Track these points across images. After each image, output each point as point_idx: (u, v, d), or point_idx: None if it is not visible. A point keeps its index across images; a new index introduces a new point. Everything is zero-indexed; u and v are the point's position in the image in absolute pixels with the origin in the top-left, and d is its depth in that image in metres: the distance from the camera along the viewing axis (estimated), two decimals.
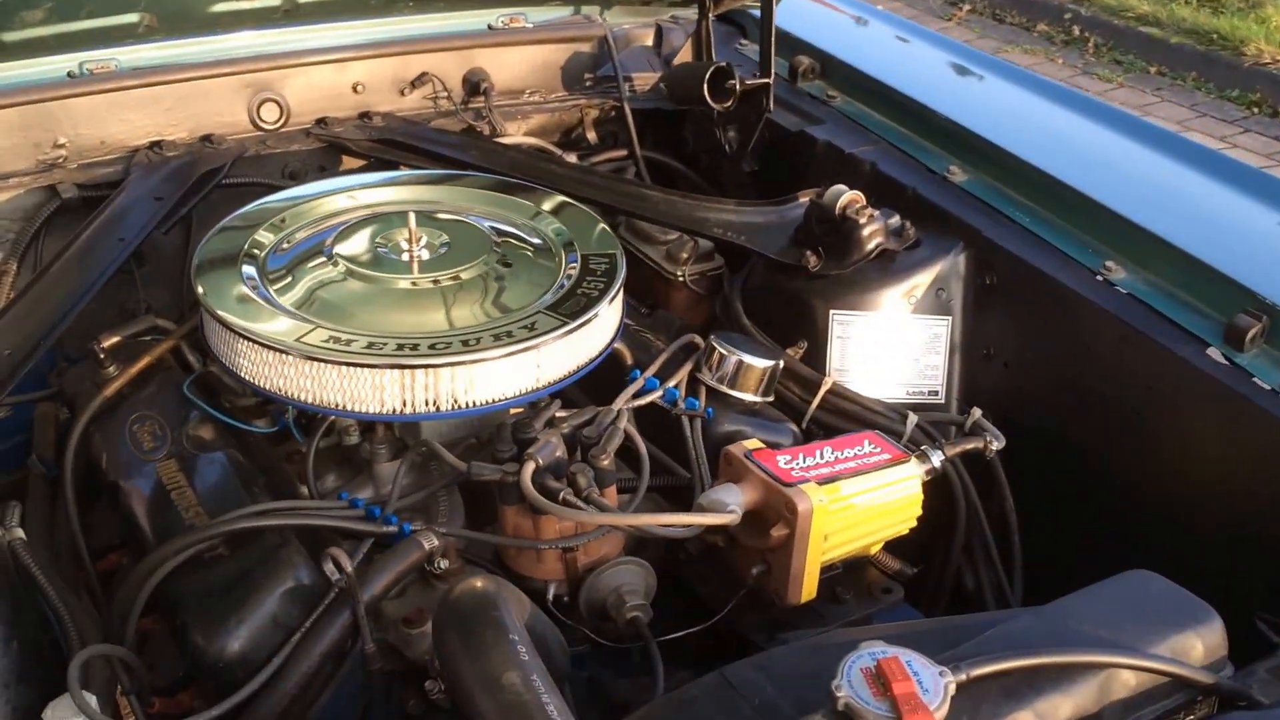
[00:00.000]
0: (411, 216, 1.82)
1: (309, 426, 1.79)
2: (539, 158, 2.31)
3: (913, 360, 2.08)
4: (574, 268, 1.84)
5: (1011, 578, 2.02)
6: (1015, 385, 2.07)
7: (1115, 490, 1.93)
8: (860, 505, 1.68)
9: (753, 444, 1.71)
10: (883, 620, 1.80)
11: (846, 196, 2.08)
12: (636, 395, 1.84)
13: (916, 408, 2.04)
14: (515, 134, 2.49)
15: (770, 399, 1.94)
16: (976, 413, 1.99)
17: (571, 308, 1.73)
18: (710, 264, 2.35)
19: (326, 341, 1.63)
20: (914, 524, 1.77)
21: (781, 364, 1.93)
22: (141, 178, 2.09)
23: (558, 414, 1.74)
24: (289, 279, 1.78)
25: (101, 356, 1.88)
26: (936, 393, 2.10)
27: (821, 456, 1.71)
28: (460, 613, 1.24)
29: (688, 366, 1.91)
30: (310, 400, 1.64)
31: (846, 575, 1.78)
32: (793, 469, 1.66)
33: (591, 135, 2.61)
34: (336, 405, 1.63)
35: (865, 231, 2.05)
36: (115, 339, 1.90)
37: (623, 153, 2.60)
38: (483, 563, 1.70)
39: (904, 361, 2.08)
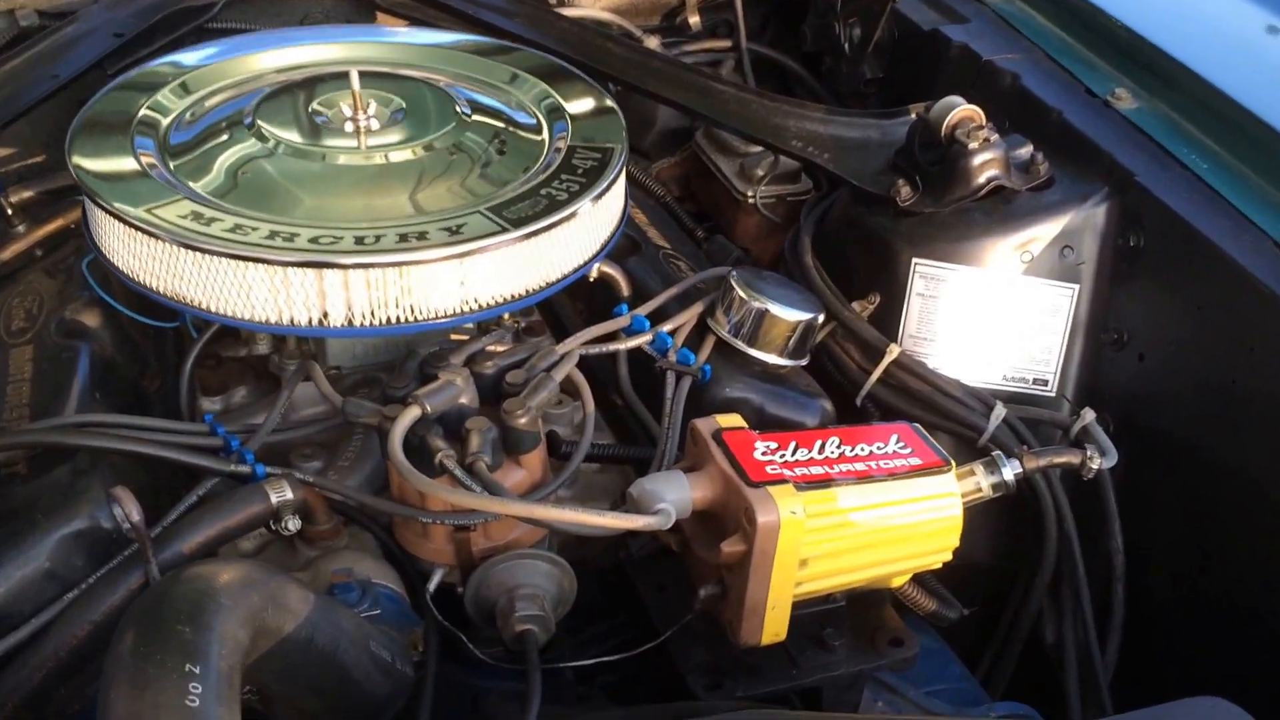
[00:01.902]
0: (354, 75, 1.44)
1: (200, 328, 1.45)
2: (598, 34, 1.88)
3: (1018, 337, 1.57)
4: (555, 158, 1.42)
5: (1106, 639, 1.50)
6: (1151, 384, 1.54)
7: (1269, 541, 1.39)
8: (861, 525, 1.21)
9: (729, 420, 1.26)
10: (887, 680, 1.34)
11: (958, 112, 1.57)
12: (611, 338, 1.41)
13: (1014, 399, 1.54)
14: (591, 6, 2.06)
15: (802, 362, 1.48)
16: (1088, 416, 1.48)
17: (521, 211, 1.32)
18: (791, 187, 1.88)
19: (206, 225, 1.27)
20: (947, 557, 1.29)
21: (820, 318, 1.46)
22: (106, 8, 1.77)
23: (492, 348, 1.33)
24: (196, 153, 1.43)
25: (9, 213, 1.59)
26: (1046, 383, 1.58)
27: (821, 450, 1.25)
28: (142, 618, 0.86)
29: (696, 308, 1.47)
30: (165, 292, 1.29)
31: (847, 612, 1.31)
32: (772, 462, 1.20)
33: (694, 20, 2.16)
34: (196, 304, 1.28)
35: (976, 160, 1.54)
36: (28, 194, 1.60)
37: (726, 43, 2.14)
38: (375, 529, 1.32)
39: (1006, 337, 1.57)
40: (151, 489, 1.30)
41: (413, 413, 1.20)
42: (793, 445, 1.24)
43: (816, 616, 1.30)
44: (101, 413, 1.31)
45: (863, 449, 1.26)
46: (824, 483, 1.20)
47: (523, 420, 1.22)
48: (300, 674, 0.99)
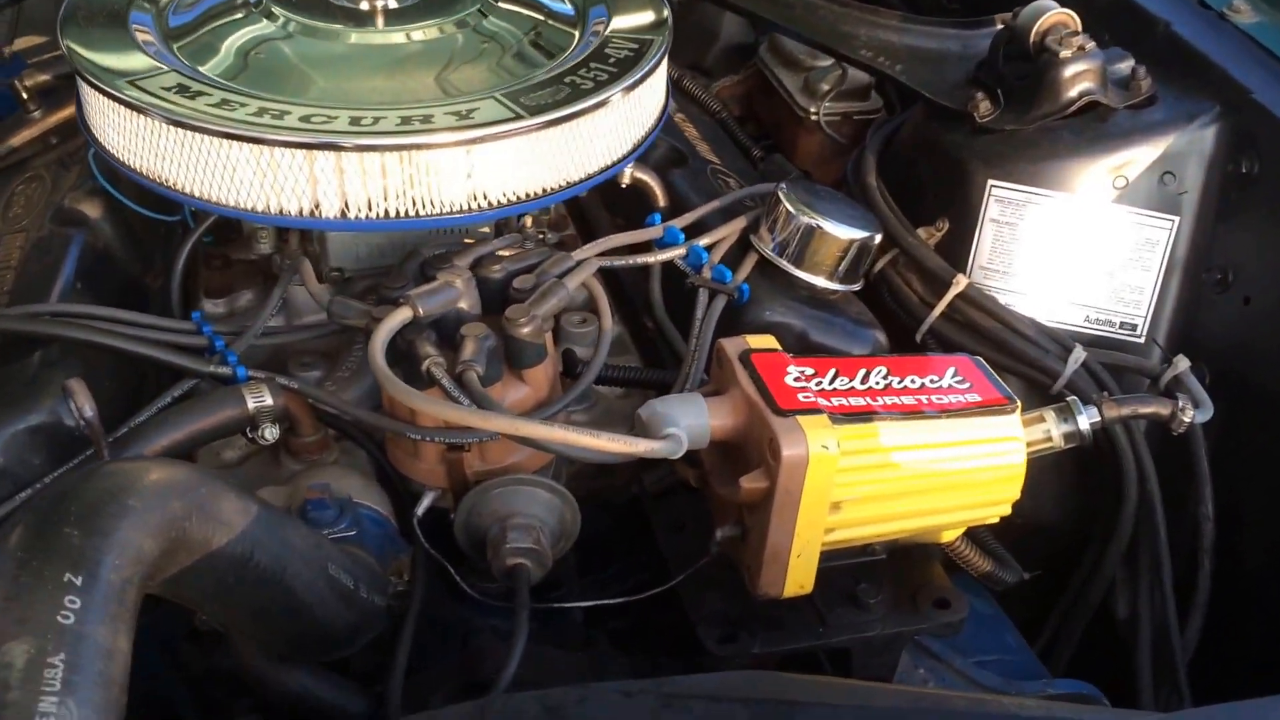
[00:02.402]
0: None
1: (199, 220, 1.33)
2: None
3: (1105, 273, 1.39)
4: (590, 44, 1.27)
5: (1186, 617, 1.33)
6: (1257, 331, 1.35)
7: None
8: (906, 467, 1.06)
9: (761, 341, 1.11)
10: (929, 646, 1.19)
11: (1050, 16, 1.40)
12: (641, 250, 1.27)
13: (1096, 344, 1.37)
14: None
15: (854, 287, 1.32)
16: (1182, 364, 1.30)
17: (541, 99, 1.17)
18: (859, 104, 1.71)
19: (191, 99, 1.15)
20: (1005, 510, 1.13)
21: (877, 238, 1.30)
22: None
23: (504, 253, 1.19)
24: (199, 33, 1.30)
25: (24, 96, 1.48)
26: (1134, 327, 1.40)
27: (865, 380, 1.09)
28: (33, 516, 0.74)
29: (738, 223, 1.32)
30: (148, 173, 1.18)
31: (888, 567, 1.16)
32: (805, 390, 1.05)
33: None
34: (179, 187, 1.16)
35: (1068, 71, 1.36)
36: (44, 77, 1.49)
37: None
38: (368, 445, 1.19)
39: (1091, 273, 1.39)
40: (140, 393, 1.19)
41: (402, 314, 1.07)
42: (831, 373, 1.09)
43: (851, 569, 1.14)
44: (83, 304, 1.19)
45: (914, 381, 1.10)
46: (864, 415, 1.05)
47: (526, 330, 1.08)
48: (236, 595, 0.86)
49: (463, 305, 1.11)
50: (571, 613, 1.21)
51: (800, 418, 1.01)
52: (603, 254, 1.21)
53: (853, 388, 1.08)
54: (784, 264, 1.28)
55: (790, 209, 1.27)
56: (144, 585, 0.74)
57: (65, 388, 1.02)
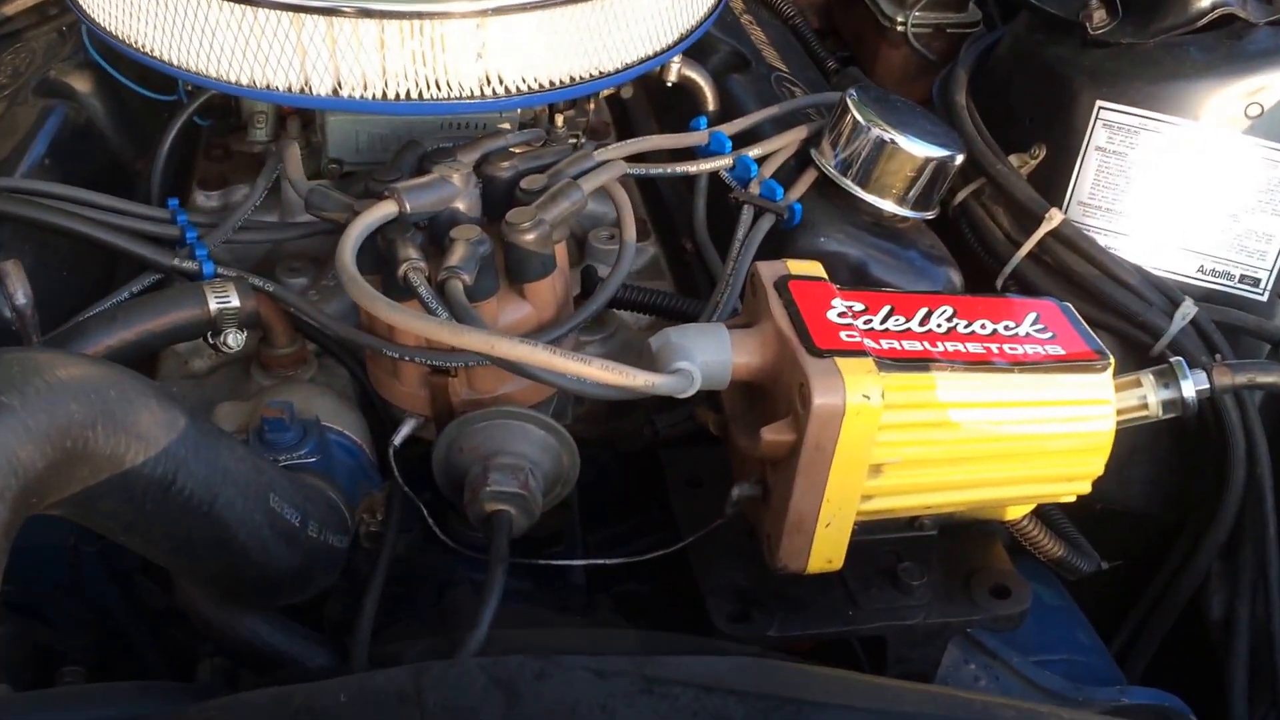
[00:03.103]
0: None
1: (190, 98, 1.19)
2: None
3: (1228, 217, 1.19)
4: None
5: None
6: None
7: None
8: (966, 428, 0.88)
9: (804, 267, 0.94)
10: (984, 641, 1.01)
11: None
12: (682, 159, 1.10)
13: (1211, 298, 1.18)
14: None
15: (928, 215, 1.13)
16: None
17: None
18: (953, 15, 1.51)
19: None
20: (1084, 488, 0.95)
21: (958, 159, 1.11)
22: None
23: (516, 149, 1.03)
24: None
25: None
26: (1258, 282, 1.20)
27: (925, 321, 0.91)
28: None
29: (797, 133, 1.14)
30: (124, 37, 1.04)
31: (938, 544, 0.98)
32: (850, 328, 0.88)
33: None
34: (156, 53, 1.02)
35: None
36: None
37: None
38: (351, 364, 1.05)
39: (1212, 215, 1.19)
40: (109, 288, 1.06)
41: (385, 209, 0.91)
42: (885, 310, 0.91)
43: (893, 545, 0.97)
44: (48, 181, 1.06)
45: (985, 326, 0.92)
46: (920, 363, 0.87)
47: (529, 236, 0.92)
48: (155, 525, 0.72)
49: (459, 205, 0.95)
50: (571, 572, 1.06)
51: (840, 360, 0.84)
52: (633, 158, 1.04)
53: (909, 329, 0.90)
54: (846, 183, 1.10)
55: (859, 118, 1.09)
56: (26, 503, 0.60)
57: (2, 269, 0.89)
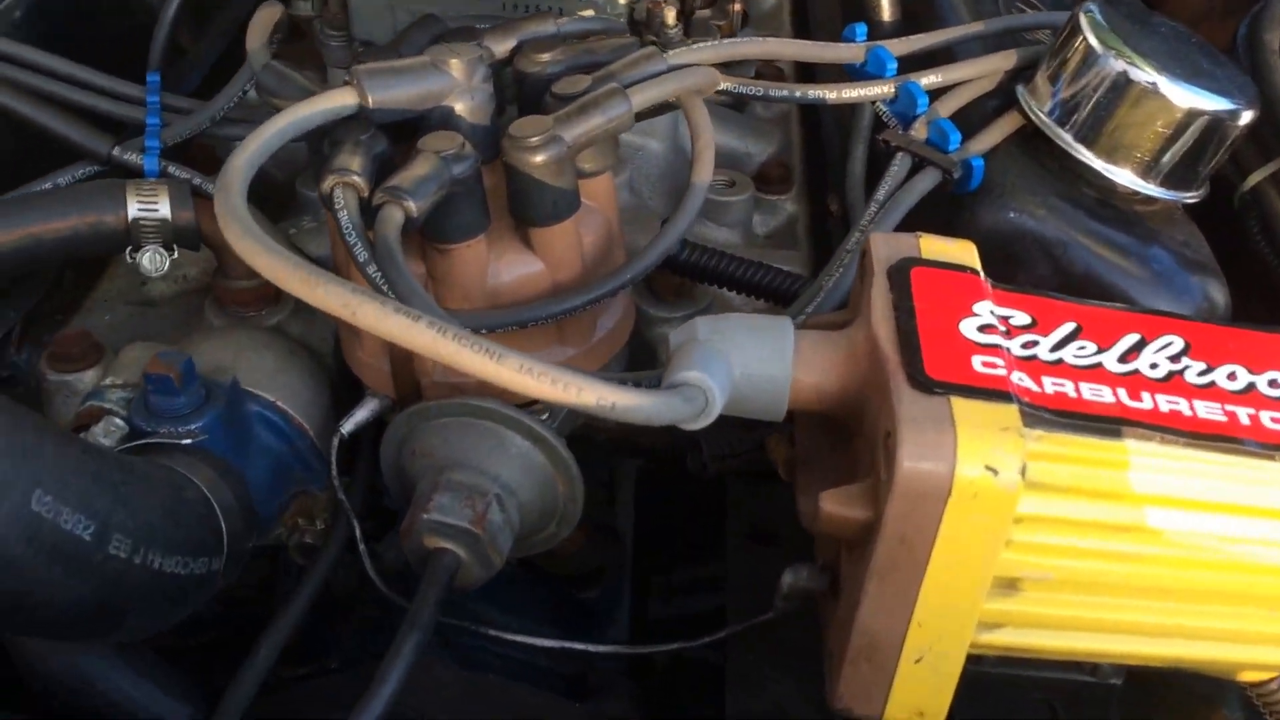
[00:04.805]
0: None
1: None
2: None
3: None
4: None
5: None
6: None
7: None
8: (1178, 539, 0.52)
9: (948, 249, 0.59)
10: None
11: None
12: (824, 78, 0.76)
13: None
14: None
15: (1189, 197, 0.75)
16: None
17: None
18: None
19: None
20: None
21: (1248, 118, 0.73)
22: None
23: (585, 43, 0.72)
24: None
25: None
26: None
27: (1135, 355, 0.56)
28: None
29: (1000, 59, 0.78)
30: None
31: (1122, 700, 0.62)
32: (995, 351, 0.53)
33: None
34: None
35: None
36: None
37: None
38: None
39: None
40: None
41: (335, 99, 0.63)
42: (1066, 329, 0.56)
43: (1047, 690, 0.62)
44: (18, 44, 0.82)
45: (1235, 377, 0.56)
46: (1104, 423, 0.52)
47: (537, 158, 0.62)
48: None
49: (458, 106, 0.65)
50: (616, 617, 0.77)
51: (959, 401, 0.50)
52: (728, 66, 0.72)
53: (1099, 365, 0.55)
54: (1064, 137, 0.74)
55: (1095, 43, 0.73)
56: None
57: None
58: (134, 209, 0.71)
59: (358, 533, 0.68)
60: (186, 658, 0.74)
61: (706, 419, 0.52)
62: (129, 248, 0.73)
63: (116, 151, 0.77)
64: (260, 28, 0.77)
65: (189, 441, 0.65)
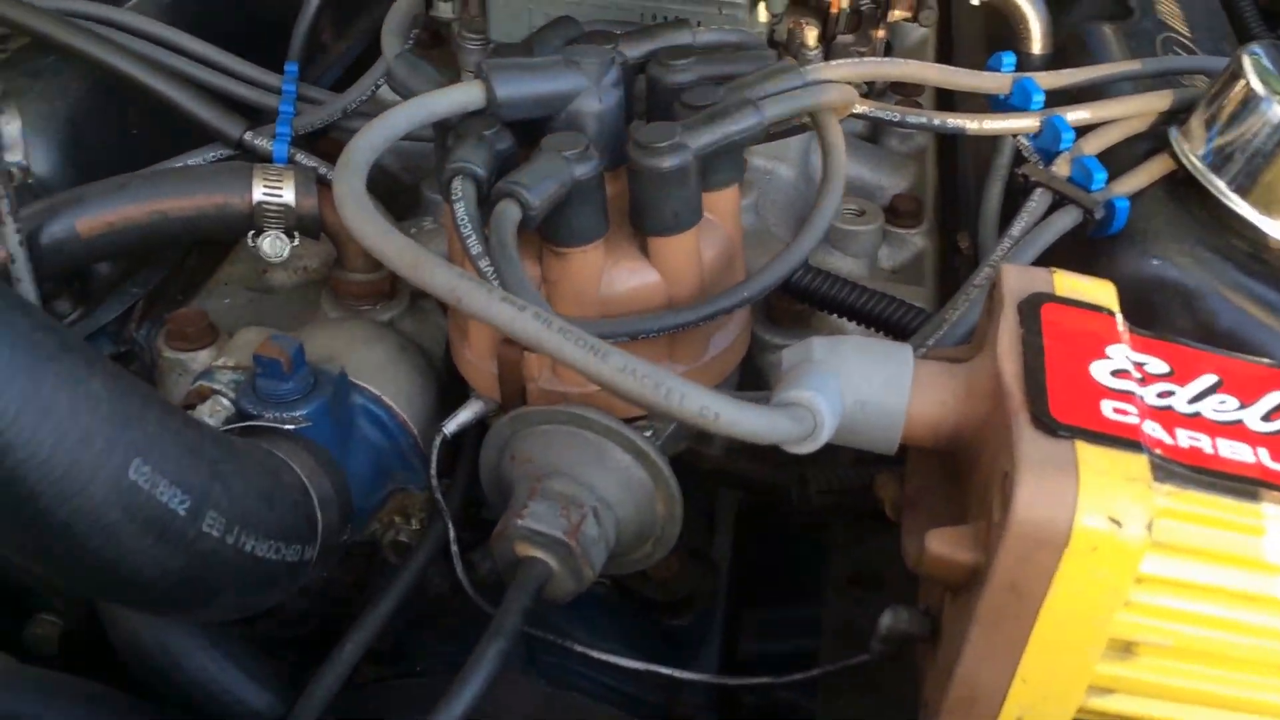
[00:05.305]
0: None
1: None
2: None
3: None
4: None
5: None
6: None
7: None
8: None
9: (1086, 288, 0.56)
10: None
11: None
12: (962, 107, 0.74)
13: None
14: None
15: None
16: None
17: None
18: None
19: None
20: None
21: None
22: None
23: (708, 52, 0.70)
24: None
25: None
26: None
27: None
28: None
29: (1154, 100, 0.75)
30: None
31: None
32: (1129, 397, 0.50)
33: None
34: None
35: None
36: None
37: None
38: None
39: None
40: None
41: (462, 93, 0.62)
42: (1206, 382, 0.53)
43: None
44: (147, 18, 0.84)
45: None
46: (1241, 483, 0.48)
47: (661, 164, 0.60)
48: None
49: (587, 107, 0.64)
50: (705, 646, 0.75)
51: (1085, 446, 0.47)
52: (866, 87, 0.70)
53: (1240, 421, 0.51)
54: (1217, 183, 0.70)
55: (1258, 87, 0.69)
56: None
57: None
58: (259, 193, 0.72)
59: (451, 534, 0.67)
60: (281, 648, 0.74)
61: (814, 443, 0.49)
62: (251, 231, 0.73)
63: (248, 136, 0.78)
64: (398, 17, 0.77)
65: (292, 428, 0.65)
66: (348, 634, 0.67)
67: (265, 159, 0.77)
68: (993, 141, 0.80)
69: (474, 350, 0.68)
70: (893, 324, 0.69)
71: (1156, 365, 0.53)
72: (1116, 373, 0.51)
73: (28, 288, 0.70)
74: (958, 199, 0.91)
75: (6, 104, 0.69)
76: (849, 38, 0.90)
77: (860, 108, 0.70)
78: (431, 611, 0.78)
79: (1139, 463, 0.47)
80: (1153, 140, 0.75)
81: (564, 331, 0.47)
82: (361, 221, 0.53)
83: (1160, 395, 0.52)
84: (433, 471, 0.68)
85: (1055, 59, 0.83)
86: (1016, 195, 0.76)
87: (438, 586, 0.78)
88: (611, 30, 0.71)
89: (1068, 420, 0.48)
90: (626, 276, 0.64)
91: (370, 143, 0.58)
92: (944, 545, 0.50)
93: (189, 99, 0.78)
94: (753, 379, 0.77)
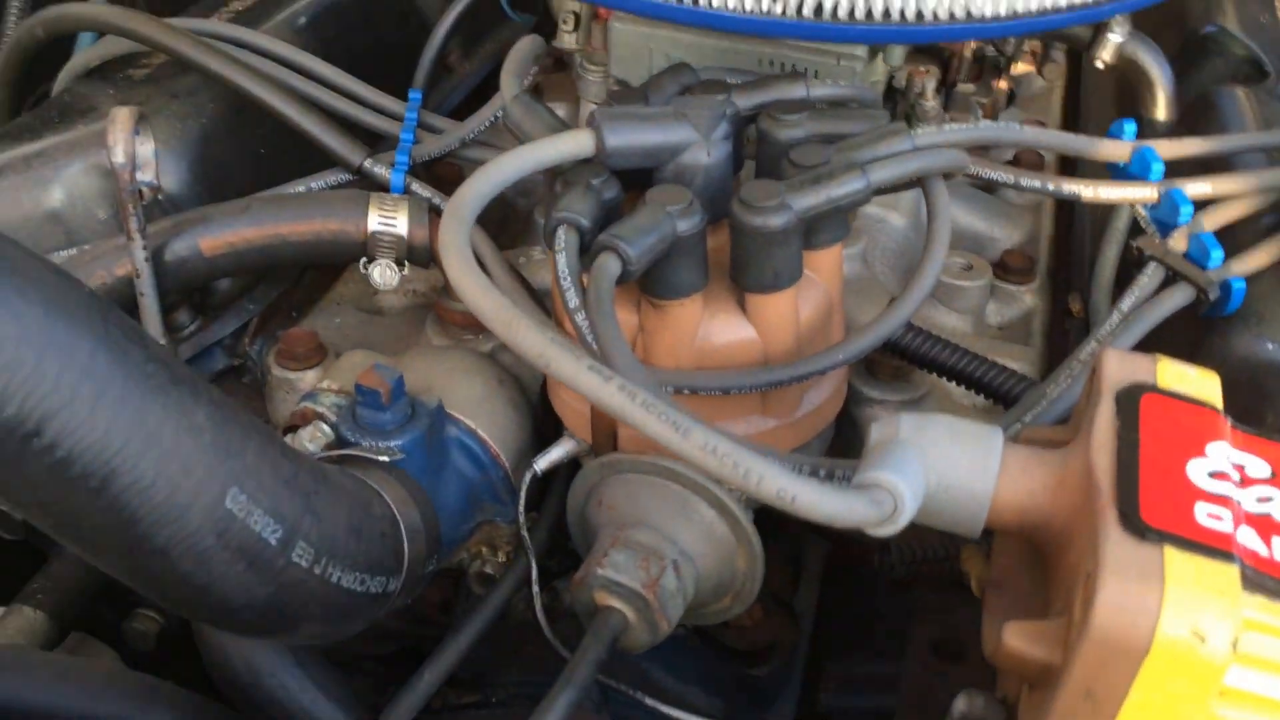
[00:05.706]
0: None
1: None
2: None
3: None
4: None
5: None
6: None
7: None
8: None
9: (1190, 380, 0.55)
10: None
11: None
12: (1076, 173, 0.73)
13: None
14: None
15: None
16: None
17: None
18: None
19: None
20: None
21: None
22: None
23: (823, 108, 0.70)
24: None
25: None
26: None
27: None
28: None
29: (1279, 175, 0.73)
30: None
31: None
32: (1225, 500, 0.49)
33: None
34: None
35: None
36: None
37: None
38: None
39: None
40: None
41: (572, 141, 0.63)
42: None
43: None
44: (284, 42, 0.87)
45: None
46: None
47: (765, 223, 0.60)
48: (12, 484, 0.49)
49: (695, 160, 0.65)
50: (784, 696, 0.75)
51: (1174, 552, 0.46)
52: (979, 150, 0.69)
53: None
54: None
55: None
56: None
57: (111, 115, 0.71)
58: (374, 222, 0.74)
59: (534, 573, 0.68)
60: (363, 664, 0.76)
61: (892, 527, 0.49)
62: (363, 259, 0.75)
63: (367, 164, 0.80)
64: (518, 58, 0.78)
65: (387, 459, 0.66)
66: (426, 662, 0.68)
67: (383, 187, 0.79)
68: (1111, 205, 0.78)
69: (570, 391, 0.69)
70: (993, 389, 0.68)
71: (1258, 467, 0.51)
72: (1214, 474, 0.50)
73: (150, 302, 0.72)
74: (1072, 255, 0.89)
75: (143, 126, 0.71)
76: (970, 87, 0.89)
77: (974, 169, 0.69)
78: (515, 637, 0.79)
79: (1229, 573, 0.46)
80: (1277, 216, 0.73)
81: (648, 405, 0.47)
82: (461, 274, 0.54)
83: (1259, 500, 0.50)
84: (520, 506, 0.69)
85: (1183, 119, 0.81)
86: (1132, 263, 0.74)
87: (522, 614, 0.79)
88: (726, 79, 0.72)
89: (1158, 524, 0.47)
90: (722, 330, 0.64)
91: (478, 191, 0.59)
92: (1021, 640, 0.49)
93: (313, 124, 0.80)
94: (848, 429, 0.76)
